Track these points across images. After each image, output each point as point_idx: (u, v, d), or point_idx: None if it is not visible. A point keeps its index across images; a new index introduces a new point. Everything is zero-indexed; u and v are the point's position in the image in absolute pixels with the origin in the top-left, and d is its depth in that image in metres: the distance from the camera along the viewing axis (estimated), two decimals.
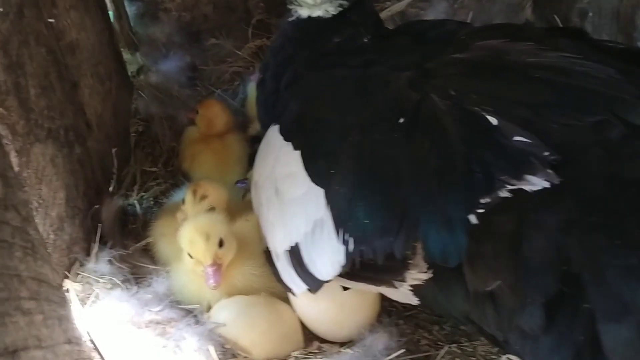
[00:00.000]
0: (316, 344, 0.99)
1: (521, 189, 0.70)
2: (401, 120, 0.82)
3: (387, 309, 1.03)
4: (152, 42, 1.61)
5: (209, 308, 0.99)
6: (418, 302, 0.90)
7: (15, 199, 0.69)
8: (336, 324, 0.97)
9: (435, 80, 0.86)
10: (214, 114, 1.40)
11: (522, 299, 0.70)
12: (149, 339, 0.87)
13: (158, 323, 0.91)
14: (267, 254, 1.01)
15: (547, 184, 0.69)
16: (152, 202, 1.29)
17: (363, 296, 0.97)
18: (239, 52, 1.69)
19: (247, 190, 1.26)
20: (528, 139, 0.73)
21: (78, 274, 0.97)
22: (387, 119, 0.84)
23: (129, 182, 1.30)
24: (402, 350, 0.92)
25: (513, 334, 0.74)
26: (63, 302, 0.77)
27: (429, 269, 0.81)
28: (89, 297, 0.93)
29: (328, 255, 0.81)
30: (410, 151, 0.78)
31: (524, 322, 0.70)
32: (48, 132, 0.92)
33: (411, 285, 0.86)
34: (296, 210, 0.89)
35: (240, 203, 1.20)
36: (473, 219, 0.70)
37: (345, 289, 0.94)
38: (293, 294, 0.96)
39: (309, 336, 1.01)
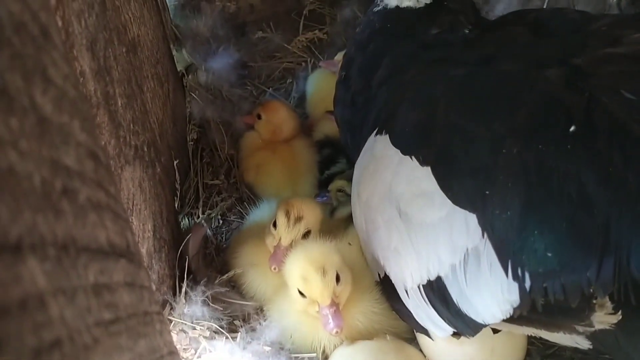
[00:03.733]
0: None
1: None
2: (572, 128, 0.66)
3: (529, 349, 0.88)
4: (196, 36, 1.43)
5: (324, 355, 0.83)
6: (589, 347, 0.75)
7: (137, 249, 0.52)
8: None
9: (595, 79, 0.71)
10: (281, 119, 1.24)
11: None
12: None
13: None
14: (384, 285, 0.86)
15: None
16: (220, 221, 1.12)
17: (514, 338, 0.81)
18: (289, 47, 1.52)
19: (330, 203, 1.10)
20: None
21: (170, 320, 0.80)
22: (551, 127, 0.68)
23: (192, 198, 1.13)
24: None
25: None
26: None
27: (615, 309, 0.66)
28: (187, 350, 0.77)
29: (492, 293, 0.66)
30: (596, 167, 0.63)
31: None
32: (135, 150, 0.75)
33: None
34: (434, 236, 0.73)
35: (328, 222, 1.04)
36: None
37: (496, 331, 0.79)
38: (429, 336, 0.81)
39: None
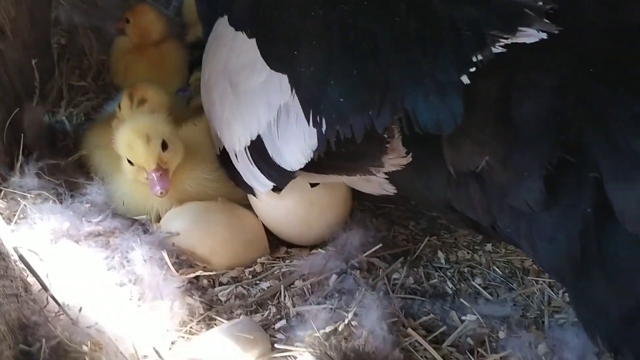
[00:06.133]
0: (283, 249, 0.90)
1: (513, 47, 0.60)
2: None
3: (359, 209, 0.94)
4: None
5: (158, 219, 0.87)
6: (395, 192, 0.81)
7: None
8: (305, 226, 0.87)
9: None
10: (148, 22, 1.25)
11: (517, 173, 0.61)
12: (90, 252, 0.75)
13: (100, 235, 0.78)
14: (223, 157, 0.90)
15: (544, 35, 0.60)
16: (83, 119, 1.14)
17: (333, 192, 0.87)
18: None
19: (191, 97, 1.14)
20: None
21: (0, 190, 0.83)
22: None
23: (55, 97, 1.15)
24: (379, 246, 0.83)
25: (504, 217, 0.66)
26: None
27: (407, 152, 0.72)
28: (15, 214, 0.80)
29: (297, 141, 0.71)
30: (385, 19, 0.67)
31: (519, 200, 0.62)
32: None
33: (387, 173, 0.76)
34: (256, 100, 0.78)
35: (185, 110, 1.08)
36: (466, 79, 0.59)
37: (313, 185, 0.84)
38: (255, 195, 0.86)
39: (275, 243, 0.91)
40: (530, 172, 0.60)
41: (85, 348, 0.65)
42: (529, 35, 0.59)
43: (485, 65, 0.59)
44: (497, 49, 0.59)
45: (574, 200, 0.58)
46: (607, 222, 0.56)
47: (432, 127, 0.60)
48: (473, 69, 0.59)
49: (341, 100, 0.66)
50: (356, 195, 0.92)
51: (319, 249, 0.85)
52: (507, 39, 0.59)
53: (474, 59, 0.59)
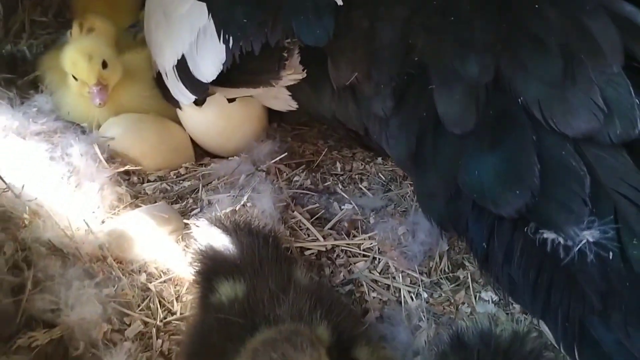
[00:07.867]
0: (207, 158, 1.04)
1: None
2: None
3: (274, 128, 1.09)
4: None
5: (98, 126, 1.02)
6: (297, 107, 0.96)
7: None
8: (224, 137, 1.02)
9: None
10: None
11: (376, 86, 0.77)
12: (34, 147, 0.90)
13: (43, 133, 0.93)
14: (158, 78, 1.04)
15: None
16: (42, 49, 1.28)
17: (248, 109, 1.01)
18: None
19: (138, 31, 1.27)
20: None
21: None
22: None
23: (17, 29, 1.28)
24: (285, 154, 0.98)
25: (371, 123, 0.82)
26: None
27: (303, 70, 0.87)
28: None
29: (211, 56, 0.85)
30: None
31: (377, 107, 0.78)
32: None
33: (289, 89, 0.92)
34: (182, 25, 0.92)
35: (133, 42, 1.22)
36: (339, 1, 0.74)
37: (231, 101, 0.98)
38: (180, 107, 1.00)
39: (201, 154, 1.06)
40: (385, 84, 0.76)
41: (25, 215, 0.80)
42: None
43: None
44: None
45: (415, 107, 0.74)
46: (437, 123, 0.71)
47: (311, 41, 0.75)
48: None
49: (245, 21, 0.80)
50: (276, 118, 1.07)
51: (235, 157, 1.00)
52: None
53: None
